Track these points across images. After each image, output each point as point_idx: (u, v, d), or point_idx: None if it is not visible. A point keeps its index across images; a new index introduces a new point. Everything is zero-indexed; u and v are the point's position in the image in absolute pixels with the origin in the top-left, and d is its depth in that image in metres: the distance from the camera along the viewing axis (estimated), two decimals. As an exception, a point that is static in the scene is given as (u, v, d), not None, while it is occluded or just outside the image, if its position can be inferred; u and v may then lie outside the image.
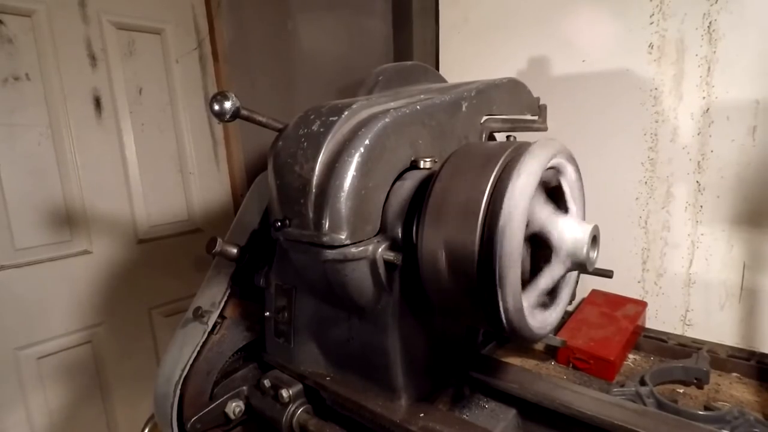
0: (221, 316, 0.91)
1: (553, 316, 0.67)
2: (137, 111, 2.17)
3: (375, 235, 0.73)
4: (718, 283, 1.35)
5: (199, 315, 0.87)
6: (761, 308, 1.29)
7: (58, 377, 1.99)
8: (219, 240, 0.82)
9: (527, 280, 0.62)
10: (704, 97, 1.28)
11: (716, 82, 1.25)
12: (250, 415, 0.95)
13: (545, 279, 0.62)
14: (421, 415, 0.73)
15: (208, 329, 0.88)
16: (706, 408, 1.08)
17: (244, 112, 0.85)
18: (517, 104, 1.09)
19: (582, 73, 1.49)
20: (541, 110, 1.20)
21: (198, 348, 0.86)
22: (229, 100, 0.82)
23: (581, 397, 0.76)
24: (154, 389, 0.89)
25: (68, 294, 1.99)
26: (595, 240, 0.62)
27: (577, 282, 0.77)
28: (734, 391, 1.17)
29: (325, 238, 0.67)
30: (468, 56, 1.75)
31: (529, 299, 0.60)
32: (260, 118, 0.88)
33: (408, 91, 0.94)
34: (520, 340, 0.58)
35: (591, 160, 1.49)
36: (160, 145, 2.26)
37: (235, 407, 0.92)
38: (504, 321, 0.57)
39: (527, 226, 0.59)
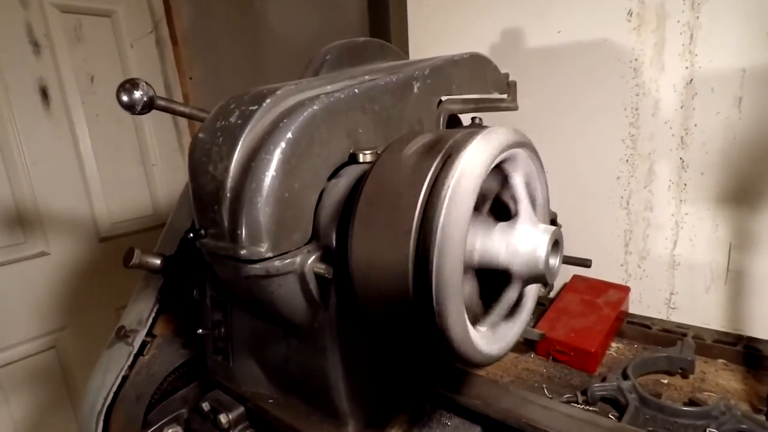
0: (150, 334, 0.81)
1: (513, 331, 0.58)
2: (90, 101, 2.03)
3: (306, 244, 0.63)
4: (704, 264, 1.29)
5: (123, 335, 0.78)
6: (748, 290, 1.23)
7: (21, 386, 1.90)
8: (137, 251, 0.72)
9: (479, 312, 0.53)
10: (687, 67, 1.18)
11: (699, 51, 1.15)
12: (193, 439, 0.86)
13: (502, 305, 0.53)
14: (369, 444, 0.65)
15: (134, 351, 0.78)
16: (691, 401, 1.01)
17: (160, 103, 0.74)
18: (481, 82, 0.98)
19: (558, 45, 1.38)
20: (510, 87, 1.09)
21: (123, 373, 0.77)
22: (139, 89, 0.71)
23: (550, 413, 0.68)
24: (79, 421, 0.80)
25: (27, 298, 1.89)
26: (556, 245, 0.53)
27: (540, 290, 0.68)
28: (720, 379, 1.11)
29: (242, 252, 0.57)
30: (436, 31, 1.63)
31: (483, 327, 0.51)
32: (182, 109, 0.77)
33: (351, 72, 0.83)
34: (467, 366, 0.50)
35: (568, 139, 1.40)
36: (118, 137, 2.12)
37: (172, 434, 0.84)
38: (450, 354, 0.47)
39: (469, 260, 0.49)
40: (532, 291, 0.63)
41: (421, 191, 0.46)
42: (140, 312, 0.81)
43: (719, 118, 1.16)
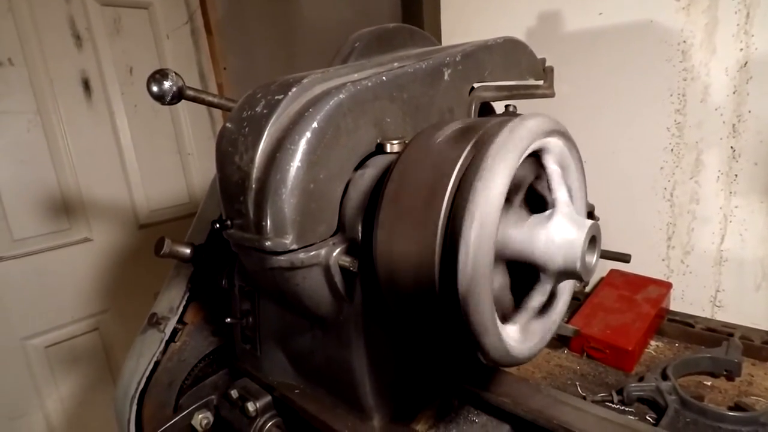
0: (181, 321, 0.82)
1: (541, 333, 0.55)
2: (129, 92, 2.08)
3: (331, 236, 0.62)
4: (754, 260, 1.21)
5: (155, 322, 0.79)
6: (805, 289, 1.14)
7: (67, 365, 2.00)
8: (167, 240, 0.73)
9: (510, 309, 0.50)
10: (742, 49, 1.09)
11: (756, 31, 1.07)
12: (221, 425, 0.88)
13: (533, 304, 0.50)
14: (394, 439, 0.64)
15: (166, 337, 0.80)
16: (737, 406, 0.96)
17: (189, 93, 0.74)
18: (515, 68, 0.94)
19: (599, 28, 1.31)
20: (546, 73, 1.04)
21: (155, 359, 0.79)
22: (168, 79, 0.71)
23: (584, 416, 0.65)
24: (113, 405, 0.83)
25: (71, 282, 1.97)
26: (593, 241, 0.50)
27: (575, 285, 0.65)
28: (770, 383, 1.05)
29: (267, 243, 0.57)
30: (470, 15, 1.58)
31: (512, 325, 0.48)
32: (211, 99, 0.78)
33: (380, 59, 0.81)
34: (495, 365, 0.48)
35: (608, 127, 1.34)
36: (155, 127, 2.18)
37: (202, 419, 0.85)
38: (478, 354, 0.45)
39: (500, 251, 0.46)
40: (567, 287, 0.60)
41: (449, 182, 0.44)
42: (171, 300, 0.83)
43: (777, 104, 1.08)
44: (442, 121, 0.59)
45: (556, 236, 0.47)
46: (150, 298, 2.26)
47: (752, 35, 1.07)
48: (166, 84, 0.70)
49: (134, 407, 0.78)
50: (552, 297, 0.58)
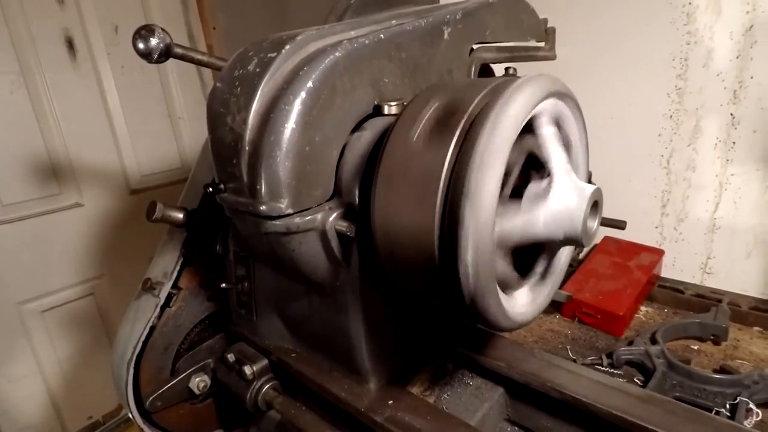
0: (176, 286, 0.82)
1: (540, 298, 0.55)
2: (115, 52, 2.00)
3: (327, 201, 0.60)
4: (747, 228, 1.22)
5: (149, 287, 0.79)
6: (794, 257, 1.16)
7: (64, 329, 2.01)
8: (159, 204, 0.72)
9: (513, 281, 0.50)
10: (748, 12, 1.06)
11: (766, -9, 1.03)
12: (219, 387, 0.89)
13: (534, 274, 0.49)
14: (390, 402, 0.65)
15: (161, 302, 0.80)
16: (722, 369, 0.98)
17: (177, 51, 0.71)
18: (516, 28, 0.90)
19: (603, -13, 1.27)
20: (548, 35, 1.01)
21: (151, 323, 0.79)
22: (155, 36, 0.68)
23: (576, 379, 0.66)
24: (111, 367, 0.83)
25: (65, 248, 1.96)
26: (595, 206, 0.49)
27: (572, 252, 0.64)
28: (755, 347, 1.08)
29: (262, 207, 0.55)
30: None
31: (512, 292, 0.48)
32: (200, 57, 0.74)
33: (377, 17, 0.77)
34: (495, 329, 0.48)
35: (607, 91, 1.31)
36: (144, 89, 2.11)
37: (199, 382, 0.86)
38: (473, 310, 0.45)
39: (502, 243, 0.45)
40: (565, 253, 0.60)
41: (451, 144, 0.43)
42: (165, 265, 0.82)
43: (781, 70, 1.06)
44: (438, 82, 0.57)
45: (556, 208, 0.46)
46: (144, 263, 2.24)
47: (761, -4, 1.04)
48: (153, 41, 0.67)
49: (131, 371, 0.78)
50: (549, 266, 0.57)
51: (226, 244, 0.80)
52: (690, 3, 1.13)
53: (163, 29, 0.68)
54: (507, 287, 0.49)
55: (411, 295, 0.55)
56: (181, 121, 2.26)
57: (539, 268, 0.51)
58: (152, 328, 0.79)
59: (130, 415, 0.81)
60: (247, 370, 0.77)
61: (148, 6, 2.09)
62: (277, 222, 0.56)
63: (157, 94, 2.17)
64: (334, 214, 0.59)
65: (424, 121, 0.47)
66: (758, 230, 1.20)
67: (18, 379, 1.89)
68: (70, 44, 1.89)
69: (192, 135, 2.29)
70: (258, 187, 0.55)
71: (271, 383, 0.79)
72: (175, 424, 0.85)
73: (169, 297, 0.81)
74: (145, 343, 0.78)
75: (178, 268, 0.81)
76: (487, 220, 0.40)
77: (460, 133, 0.43)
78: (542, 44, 1.00)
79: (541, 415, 0.69)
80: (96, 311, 2.10)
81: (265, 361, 0.79)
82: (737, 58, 1.10)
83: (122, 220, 2.12)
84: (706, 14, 1.12)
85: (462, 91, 0.48)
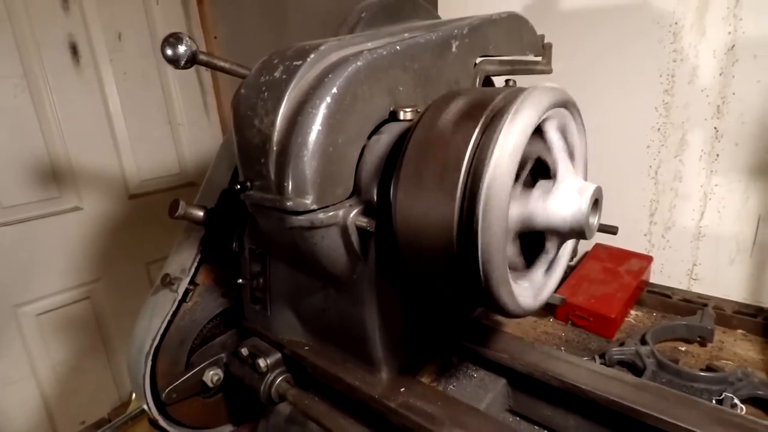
0: (193, 282, 0.85)
1: (548, 286, 0.60)
2: (118, 58, 2.04)
3: (347, 198, 0.65)
4: (730, 236, 1.28)
5: (168, 282, 0.82)
6: (774, 263, 1.22)
7: (59, 333, 2.00)
8: (182, 202, 0.75)
9: (521, 267, 0.54)
10: (730, 32, 1.14)
11: (745, 14, 1.11)
12: (231, 382, 0.92)
13: (542, 263, 0.54)
14: (402, 389, 0.69)
15: (179, 297, 0.83)
16: (709, 368, 1.04)
17: (202, 57, 0.75)
18: (517, 43, 0.96)
19: (594, 7, 1.34)
20: (545, 50, 1.07)
21: (168, 317, 0.82)
22: (183, 44, 0.72)
23: (576, 369, 0.70)
24: (126, 360, 0.85)
25: (62, 251, 1.97)
26: (596, 203, 0.54)
27: (575, 247, 0.69)
28: (738, 348, 1.13)
29: (288, 203, 0.60)
30: (468, -11, 1.59)
31: (521, 281, 0.53)
32: (222, 64, 0.78)
33: (391, 30, 0.82)
34: (506, 315, 0.52)
35: (599, 105, 1.37)
36: (145, 95, 2.15)
37: (212, 375, 0.89)
38: (487, 297, 0.50)
39: (513, 227, 0.50)
40: (567, 247, 0.65)
41: (469, 144, 0.48)
42: (183, 261, 0.85)
43: (760, 87, 1.13)
44: (455, 90, 0.62)
45: (562, 203, 0.51)
46: (141, 267, 2.26)
47: (740, 18, 1.11)
48: (181, 48, 0.71)
49: (149, 363, 0.81)
50: (554, 259, 0.62)
51: (242, 242, 0.84)
52: (676, 23, 1.21)
53: (190, 37, 0.73)
54: (515, 274, 0.53)
55: (426, 282, 0.59)
56: (181, 127, 2.29)
57: (544, 261, 0.56)
58: (169, 322, 0.82)
59: (145, 407, 0.83)
60: (261, 362, 0.80)
61: (151, 14, 2.14)
62: (302, 217, 0.60)
63: (158, 100, 2.20)
64: (355, 211, 0.63)
65: (451, 110, 0.52)
66: (740, 238, 1.27)
67: (12, 382, 1.88)
68: (74, 50, 1.93)
69: (191, 141, 2.33)
70: (285, 184, 0.59)
71: (283, 376, 0.82)
72: (187, 417, 0.88)
73: (186, 292, 0.84)
74: (162, 336, 0.81)
75: (195, 264, 0.84)
76: (504, 197, 0.45)
77: (484, 120, 0.49)
78: (540, 59, 1.06)
79: (542, 404, 0.74)
80: (92, 315, 2.10)
81: (278, 355, 0.82)
82: (720, 75, 1.18)
83: (120, 225, 2.14)
84: (691, 34, 1.19)
85: (483, 93, 0.53)
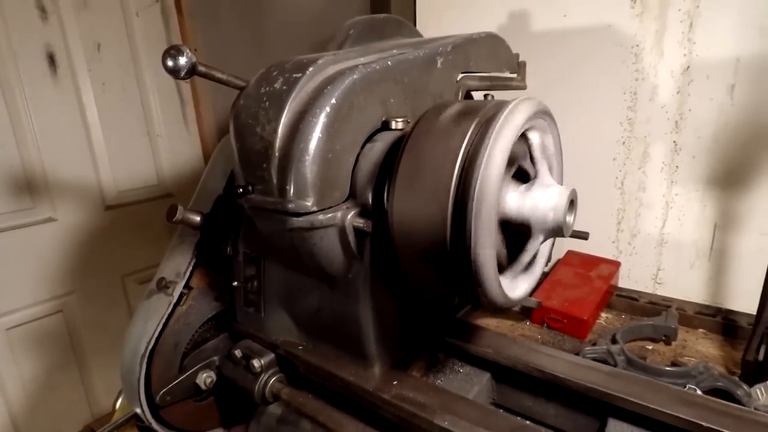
0: (187, 286, 0.87)
1: (529, 281, 0.66)
2: (96, 68, 2.03)
3: (344, 201, 0.69)
4: (690, 242, 1.37)
5: (163, 286, 0.84)
6: (729, 267, 1.32)
7: (30, 348, 1.94)
8: (180, 207, 0.78)
9: (504, 262, 0.60)
10: (685, 55, 1.24)
11: (698, 39, 1.22)
12: (223, 385, 0.93)
13: (525, 257, 0.60)
14: (395, 382, 0.72)
15: (174, 301, 0.84)
16: (674, 364, 1.11)
17: (201, 69, 0.78)
18: (495, 61, 1.04)
19: (563, 29, 1.43)
20: (520, 67, 1.15)
21: (163, 320, 0.83)
22: (183, 55, 0.75)
23: (555, 360, 0.76)
24: (120, 364, 0.86)
25: (35, 263, 1.92)
26: (572, 204, 0.60)
27: (553, 244, 0.75)
28: (700, 346, 1.21)
29: (290, 205, 0.63)
30: (445, 10, 1.67)
31: (506, 275, 0.58)
32: (220, 75, 0.82)
33: (380, 46, 0.88)
34: (494, 307, 0.57)
35: (569, 120, 1.45)
36: (123, 106, 2.14)
37: (206, 378, 0.90)
38: (479, 295, 0.55)
39: (499, 213, 0.56)
40: (545, 249, 0.70)
41: (461, 148, 0.53)
42: (178, 265, 0.87)
43: (713, 105, 1.23)
44: (446, 101, 0.68)
45: (542, 200, 0.57)
46: (116, 280, 2.23)
47: (694, 42, 1.22)
48: (182, 60, 0.74)
49: (144, 366, 0.82)
50: (534, 257, 0.68)
51: (236, 246, 0.87)
52: (637, 45, 1.31)
53: (190, 50, 0.76)
54: (500, 266, 0.59)
55: (418, 278, 0.64)
56: (160, 138, 2.28)
57: (526, 258, 0.62)
58: (164, 326, 0.84)
59: (138, 410, 0.84)
60: (256, 363, 0.82)
61: (131, 26, 2.14)
62: (303, 219, 0.64)
63: (137, 111, 2.19)
64: (352, 213, 0.68)
65: (445, 117, 0.58)
66: (699, 245, 1.36)
67: (-23, 400, 1.81)
68: (52, 60, 1.91)
69: (170, 152, 2.32)
70: (287, 187, 0.63)
71: (277, 376, 0.84)
72: (180, 421, 0.89)
73: (181, 296, 0.86)
74: (157, 339, 0.83)
75: (190, 268, 0.86)
76: (494, 189, 0.50)
77: (477, 122, 0.54)
78: (515, 75, 1.14)
79: (524, 395, 0.79)
80: (64, 329, 2.04)
81: (272, 355, 0.85)
82: (677, 93, 1.28)
83: (96, 236, 2.10)
84: (651, 55, 1.30)
85: (472, 103, 0.59)
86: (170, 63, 0.75)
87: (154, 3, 2.23)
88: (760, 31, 1.13)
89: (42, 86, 1.88)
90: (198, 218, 0.80)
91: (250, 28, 2.43)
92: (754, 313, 1.03)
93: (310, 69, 0.68)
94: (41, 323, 1.97)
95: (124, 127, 2.15)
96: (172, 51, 0.76)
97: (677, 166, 1.33)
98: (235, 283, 0.86)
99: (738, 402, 0.85)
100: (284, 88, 0.67)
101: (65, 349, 2.06)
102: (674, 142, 1.32)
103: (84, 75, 2.00)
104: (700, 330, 1.27)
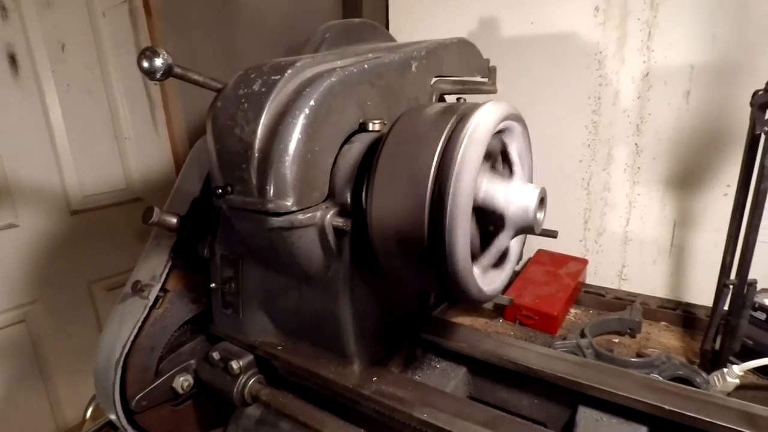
0: (163, 289, 0.86)
1: (501, 277, 0.68)
2: (60, 70, 1.97)
3: (323, 201, 0.70)
4: (652, 240, 1.44)
5: (138, 289, 0.82)
6: (687, 262, 1.39)
7: (-10, 360, 1.86)
8: (156, 209, 0.77)
9: (477, 252, 0.62)
10: (645, 62, 1.31)
11: (656, 47, 1.29)
12: (200, 388, 0.92)
13: (496, 247, 0.62)
14: (374, 378, 0.74)
15: (150, 303, 0.83)
16: (638, 355, 1.17)
17: (177, 70, 0.78)
18: (467, 65, 1.07)
19: (531, 36, 1.49)
20: (491, 72, 1.19)
21: (139, 324, 0.82)
22: (159, 57, 0.75)
23: (527, 352, 0.79)
24: (94, 368, 0.84)
25: (-5, 271, 1.84)
26: (542, 202, 0.63)
27: (523, 243, 0.78)
28: (662, 338, 1.27)
29: (270, 205, 0.64)
30: (418, 15, 1.71)
31: (479, 266, 0.60)
32: (196, 77, 0.82)
33: (355, 49, 0.90)
34: (470, 302, 0.59)
35: (537, 124, 1.50)
36: (89, 108, 2.07)
37: (183, 381, 0.89)
38: (454, 286, 0.57)
39: (475, 198, 0.58)
40: (516, 246, 0.73)
41: (438, 146, 0.55)
42: (153, 268, 0.86)
43: (670, 109, 1.30)
44: (424, 103, 0.70)
45: (515, 197, 0.60)
46: (83, 287, 2.16)
47: (653, 50, 1.29)
48: (158, 61, 0.74)
49: (119, 370, 0.80)
50: (505, 253, 0.71)
51: (213, 247, 0.86)
52: (600, 52, 1.37)
53: (166, 51, 0.76)
54: (473, 253, 0.61)
55: (396, 274, 0.66)
56: (128, 141, 2.23)
57: (496, 247, 0.64)
58: (140, 329, 0.82)
59: (113, 416, 0.82)
60: (234, 364, 0.82)
61: (97, 26, 2.08)
62: (282, 218, 0.65)
63: (104, 114, 2.13)
64: (331, 212, 0.69)
65: (422, 117, 0.60)
66: (660, 242, 1.43)
67: (-67, 416, 1.72)
68: (13, 59, 1.84)
69: (139, 156, 2.26)
70: (267, 187, 0.64)
71: (256, 377, 0.84)
72: (156, 426, 0.87)
73: (157, 299, 0.85)
74: (133, 343, 0.81)
75: (166, 271, 0.85)
76: (471, 176, 0.52)
77: (454, 120, 0.57)
78: (486, 80, 1.18)
79: (498, 387, 0.81)
80: (27, 339, 1.96)
81: (251, 357, 0.85)
82: (638, 98, 1.35)
83: (61, 242, 2.03)
84: (613, 62, 1.36)
85: (448, 104, 0.61)
86: (146, 64, 0.75)
87: (122, 3, 2.17)
88: (713, 40, 1.20)
89: (2, 87, 1.81)
90: (174, 220, 0.80)
91: (220, 32, 2.41)
92: (711, 305, 1.09)
93: (289, 71, 0.69)
94: (2, 334, 1.88)
95: (90, 129, 2.08)
96: (148, 52, 0.76)
97: (639, 168, 1.40)
98: (213, 285, 0.85)
99: (698, 388, 0.90)
100: (263, 90, 0.68)
101: (29, 361, 1.98)
102: (636, 144, 1.39)
103: (47, 76, 1.93)
104: (663, 323, 1.34)
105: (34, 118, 1.91)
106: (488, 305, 1.39)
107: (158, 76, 0.76)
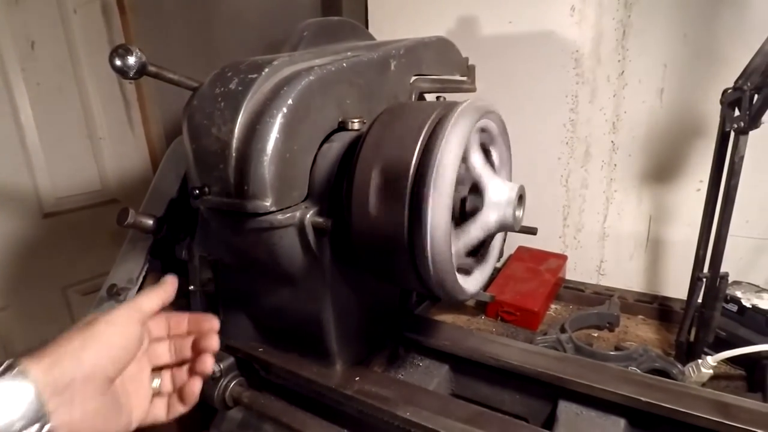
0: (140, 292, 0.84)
1: (482, 275, 0.69)
2: (30, 68, 1.91)
3: (302, 201, 0.70)
4: (628, 235, 1.47)
5: (114, 293, 0.81)
6: (663, 257, 1.42)
7: (-42, 369, 1.79)
8: (131, 211, 0.75)
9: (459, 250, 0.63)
10: (620, 60, 1.34)
11: (630, 46, 1.31)
12: (180, 392, 0.90)
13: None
14: (357, 378, 0.74)
15: (126, 307, 0.81)
16: (617, 348, 1.19)
17: (151, 69, 0.76)
18: (446, 64, 1.07)
19: (509, 34, 1.50)
20: (470, 71, 1.20)
21: (115, 328, 0.80)
22: (132, 55, 0.73)
23: (509, 349, 0.80)
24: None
25: (-38, 277, 1.78)
26: (521, 199, 0.64)
27: (504, 241, 0.79)
28: (640, 331, 1.30)
29: (248, 206, 0.63)
30: (397, 14, 1.71)
31: (458, 251, 0.60)
32: (171, 76, 0.80)
33: (334, 48, 0.89)
34: (452, 300, 0.59)
35: (515, 122, 1.52)
36: (62, 108, 2.02)
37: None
38: (435, 285, 0.57)
39: (468, 172, 0.59)
40: (497, 242, 0.74)
41: (418, 142, 0.55)
42: (130, 271, 0.84)
43: (645, 107, 1.33)
44: (400, 103, 0.70)
45: (494, 194, 0.60)
46: (56, 292, 2.11)
47: (627, 49, 1.31)
48: (131, 59, 0.72)
49: (95, 376, 0.78)
50: (487, 249, 0.71)
51: (191, 249, 0.85)
52: (577, 51, 1.39)
53: (140, 49, 0.74)
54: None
55: (377, 272, 0.65)
56: (103, 141, 2.18)
57: (479, 251, 0.65)
58: (116, 333, 0.80)
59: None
60: (215, 367, 0.80)
61: (68, 23, 2.03)
62: (262, 219, 0.64)
63: (77, 113, 2.08)
64: (311, 212, 0.68)
65: (404, 111, 0.60)
66: (636, 237, 1.46)
67: None
68: (-21, 58, 1.78)
69: (114, 156, 2.21)
70: (246, 187, 0.63)
71: (237, 380, 0.83)
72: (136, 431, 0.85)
73: (133, 302, 0.82)
74: (108, 348, 0.79)
75: (143, 273, 0.84)
76: (452, 168, 0.53)
77: (434, 117, 0.57)
78: (465, 78, 1.18)
79: (481, 384, 0.82)
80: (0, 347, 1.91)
81: (231, 359, 0.83)
82: (614, 96, 1.37)
83: (33, 246, 1.97)
84: (590, 60, 1.38)
85: (428, 103, 0.61)
86: (118, 62, 0.73)
87: None
88: (684, 39, 1.23)
89: (-31, 87, 1.75)
90: (151, 222, 0.78)
91: (197, 28, 2.37)
92: (686, 298, 1.11)
93: (266, 70, 0.68)
94: (-28, 342, 1.83)
95: (62, 130, 2.03)
96: (120, 50, 0.74)
97: (615, 164, 1.43)
98: (192, 287, 0.84)
99: (673, 379, 0.93)
100: (240, 88, 0.67)
101: (1, 368, 1.92)
102: (612, 141, 1.41)
103: (17, 75, 1.87)
104: (640, 316, 1.37)
105: (3, 119, 1.85)
106: (470, 302, 1.40)
107: (131, 74, 0.74)
